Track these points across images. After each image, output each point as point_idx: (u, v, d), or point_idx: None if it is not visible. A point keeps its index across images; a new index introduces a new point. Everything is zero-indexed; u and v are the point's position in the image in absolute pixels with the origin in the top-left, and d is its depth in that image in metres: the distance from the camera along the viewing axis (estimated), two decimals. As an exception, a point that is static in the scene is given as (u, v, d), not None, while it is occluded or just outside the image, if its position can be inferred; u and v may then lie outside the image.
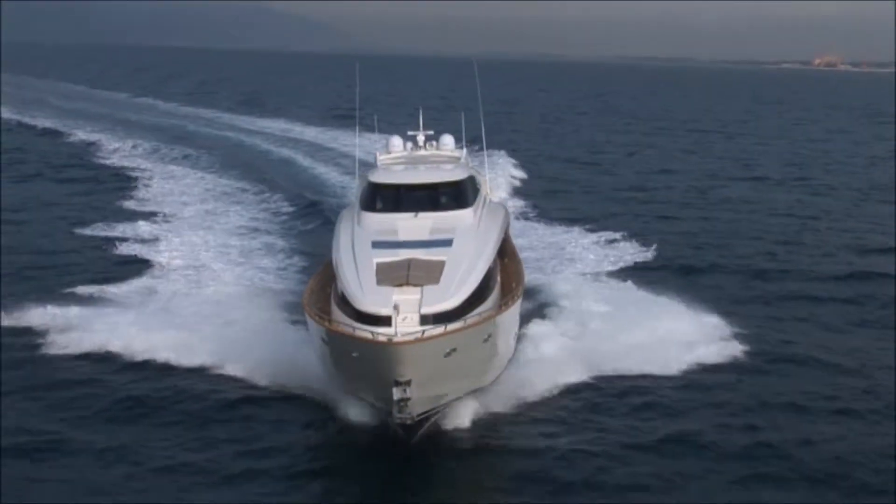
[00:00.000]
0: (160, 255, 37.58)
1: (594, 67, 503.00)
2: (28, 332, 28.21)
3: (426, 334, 20.38)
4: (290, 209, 47.97)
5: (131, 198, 50.30)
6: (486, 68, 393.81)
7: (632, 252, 39.63)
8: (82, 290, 32.12)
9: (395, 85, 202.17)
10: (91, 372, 25.87)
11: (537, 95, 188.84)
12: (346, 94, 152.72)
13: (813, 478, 20.76)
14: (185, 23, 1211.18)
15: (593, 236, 42.37)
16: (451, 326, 20.89)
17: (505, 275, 27.08)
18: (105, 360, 26.46)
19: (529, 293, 30.09)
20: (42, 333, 27.88)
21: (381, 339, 20.17)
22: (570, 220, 46.08)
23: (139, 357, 26.31)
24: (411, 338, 20.12)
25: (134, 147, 70.23)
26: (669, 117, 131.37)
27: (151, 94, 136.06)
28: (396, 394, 20.04)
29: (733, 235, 45.53)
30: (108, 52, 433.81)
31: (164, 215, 45.45)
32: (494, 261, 25.76)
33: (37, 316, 28.98)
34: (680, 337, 27.43)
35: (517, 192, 55.14)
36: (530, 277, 31.71)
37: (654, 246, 40.35)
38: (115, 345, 26.84)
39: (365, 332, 20.67)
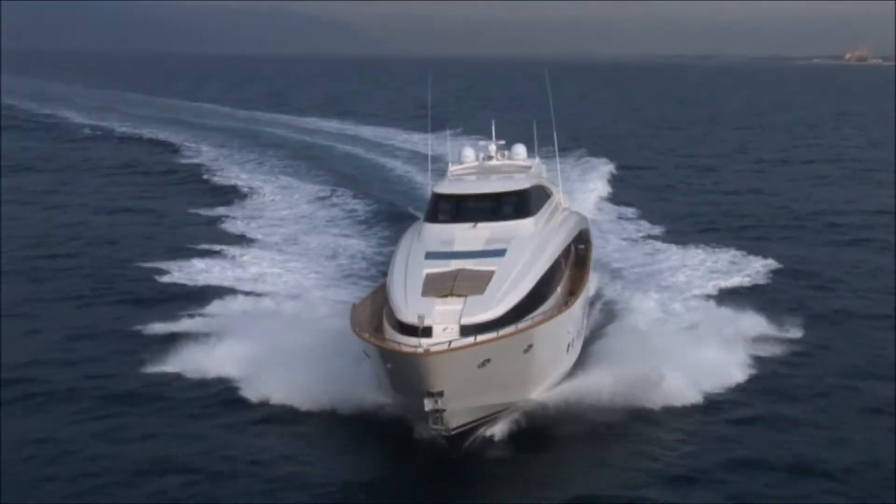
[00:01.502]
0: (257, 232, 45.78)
1: (624, 67, 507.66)
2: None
3: (453, 345, 20.08)
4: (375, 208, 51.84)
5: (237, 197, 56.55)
6: (516, 70, 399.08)
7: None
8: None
9: (440, 87, 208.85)
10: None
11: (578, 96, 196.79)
12: (395, 97, 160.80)
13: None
14: (212, 27, 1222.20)
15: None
16: (482, 337, 20.54)
17: (574, 285, 27.29)
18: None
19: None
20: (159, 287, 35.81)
21: (409, 349, 20.04)
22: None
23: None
24: (440, 348, 19.85)
25: (259, 163, 70.69)
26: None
27: (240, 103, 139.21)
28: (428, 405, 20.02)
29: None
30: (150, 60, 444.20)
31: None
32: (555, 270, 25.65)
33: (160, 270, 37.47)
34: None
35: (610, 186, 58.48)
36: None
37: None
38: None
39: (393, 342, 20.81)
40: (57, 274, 38.65)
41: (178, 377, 26.29)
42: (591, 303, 30.45)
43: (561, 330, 23.57)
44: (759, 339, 28.25)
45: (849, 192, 60.70)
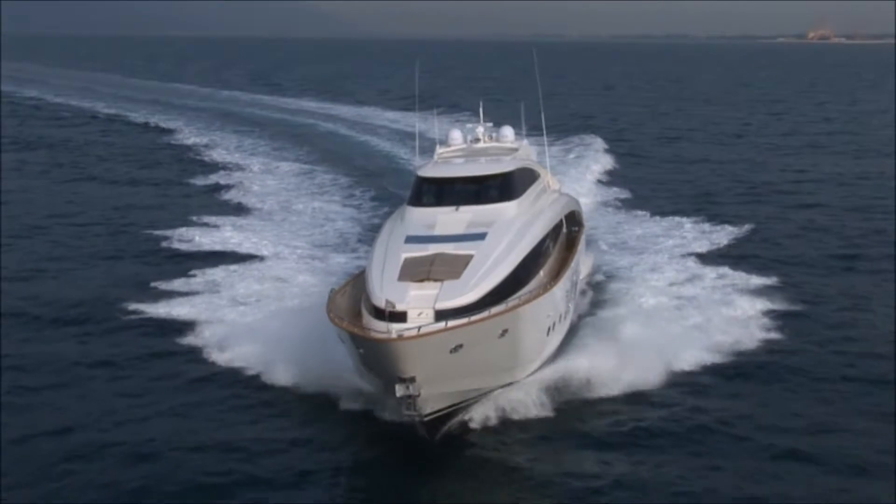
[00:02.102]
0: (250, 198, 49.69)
1: (593, 47, 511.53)
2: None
3: (423, 330, 19.98)
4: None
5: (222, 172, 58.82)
6: (485, 50, 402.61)
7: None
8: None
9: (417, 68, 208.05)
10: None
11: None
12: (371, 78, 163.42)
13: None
14: (175, 12, 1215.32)
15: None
16: (452, 322, 20.43)
17: (560, 267, 26.83)
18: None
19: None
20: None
21: (377, 335, 20.20)
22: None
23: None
24: (410, 334, 19.84)
25: (250, 141, 72.84)
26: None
27: (226, 85, 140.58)
28: (400, 391, 19.90)
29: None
30: (122, 44, 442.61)
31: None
32: (539, 253, 25.52)
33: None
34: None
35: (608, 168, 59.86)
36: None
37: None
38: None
39: (364, 328, 20.97)
40: (76, 238, 42.56)
41: (197, 318, 30.04)
42: (588, 282, 32.10)
43: (539, 314, 23.46)
44: (739, 288, 32.39)
45: (800, 162, 65.66)
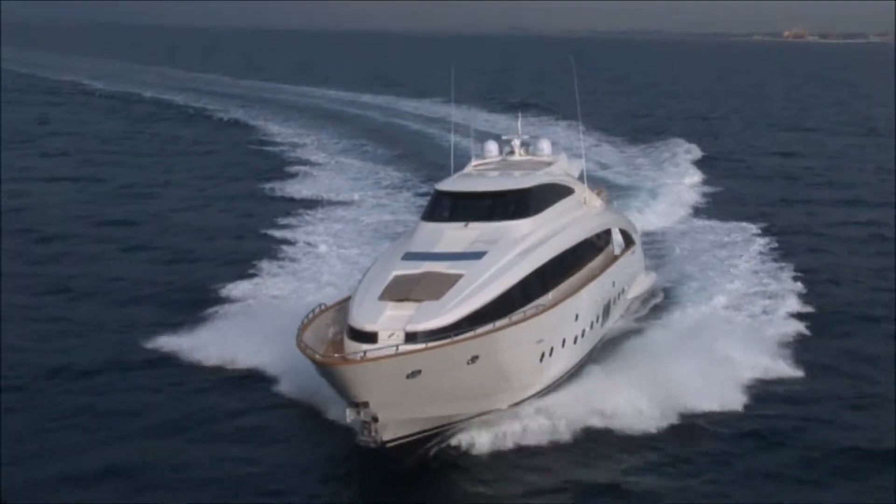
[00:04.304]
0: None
1: (570, 42, 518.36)
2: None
3: (369, 354, 19.41)
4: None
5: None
6: (458, 44, 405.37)
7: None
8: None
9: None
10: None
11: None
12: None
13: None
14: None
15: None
16: (406, 347, 19.80)
17: (579, 286, 25.51)
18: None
19: None
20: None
21: (322, 357, 19.72)
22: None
23: None
24: (357, 357, 19.39)
25: (316, 138, 75.05)
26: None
27: (287, 80, 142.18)
28: (350, 415, 19.49)
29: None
30: (107, 32, 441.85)
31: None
32: (549, 273, 24.44)
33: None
34: None
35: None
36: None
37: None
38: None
39: (310, 350, 20.02)
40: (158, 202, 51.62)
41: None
42: (645, 301, 31.80)
43: (525, 339, 22.20)
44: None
45: (750, 138, 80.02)
